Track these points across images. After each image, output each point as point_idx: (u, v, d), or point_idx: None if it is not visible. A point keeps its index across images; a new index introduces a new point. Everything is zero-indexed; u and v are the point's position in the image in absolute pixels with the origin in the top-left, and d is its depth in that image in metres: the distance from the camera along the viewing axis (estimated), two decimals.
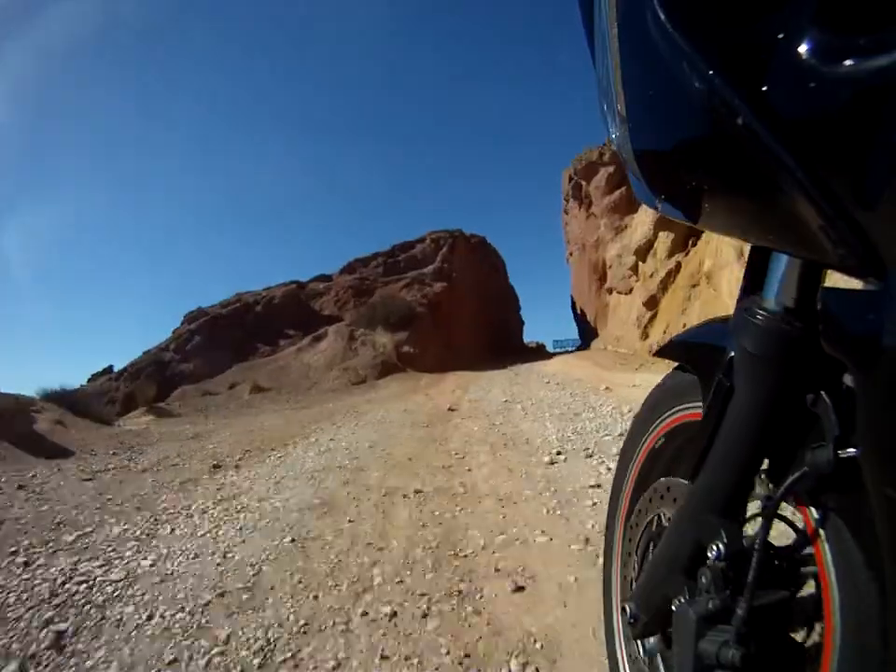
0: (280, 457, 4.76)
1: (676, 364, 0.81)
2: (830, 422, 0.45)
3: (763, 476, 0.55)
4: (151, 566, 2.30)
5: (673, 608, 0.61)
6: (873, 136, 0.29)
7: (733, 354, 0.56)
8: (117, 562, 2.37)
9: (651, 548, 0.80)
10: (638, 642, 0.82)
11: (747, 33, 0.35)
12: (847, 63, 0.29)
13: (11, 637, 1.73)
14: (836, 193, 0.32)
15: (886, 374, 0.34)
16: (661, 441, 0.82)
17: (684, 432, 0.77)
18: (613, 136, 0.54)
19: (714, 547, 0.56)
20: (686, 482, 0.66)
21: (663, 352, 0.82)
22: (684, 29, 0.38)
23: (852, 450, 0.43)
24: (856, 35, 0.29)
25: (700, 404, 0.67)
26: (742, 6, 0.35)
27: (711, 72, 0.36)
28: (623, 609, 0.73)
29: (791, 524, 0.55)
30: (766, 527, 0.52)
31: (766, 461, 0.55)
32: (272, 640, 1.61)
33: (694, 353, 0.73)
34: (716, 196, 0.44)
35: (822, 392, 0.47)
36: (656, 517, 0.77)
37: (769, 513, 0.52)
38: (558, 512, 2.50)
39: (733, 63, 0.35)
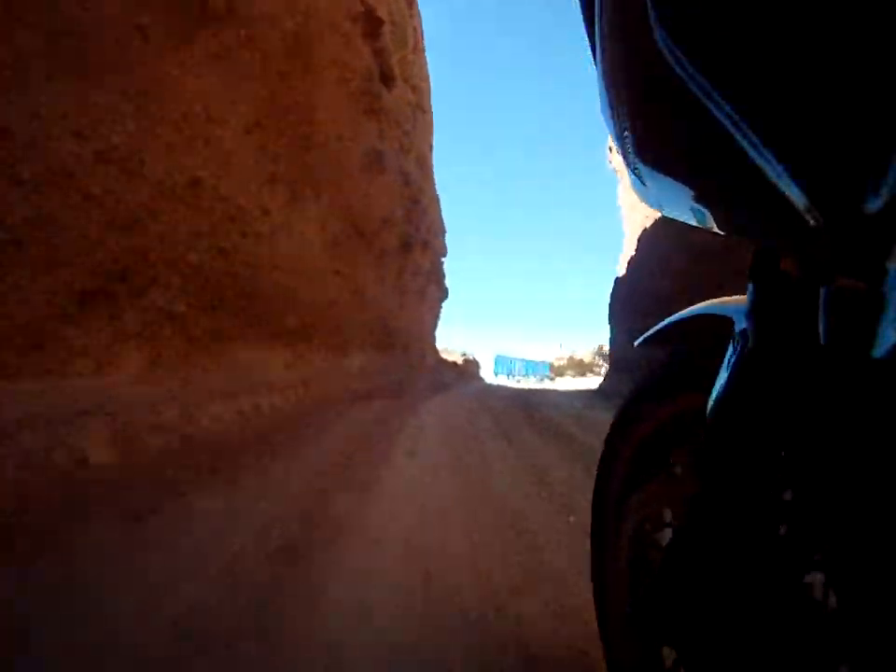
0: None
1: (666, 350, 0.81)
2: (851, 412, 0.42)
3: (781, 468, 0.51)
4: None
5: (688, 611, 0.59)
6: (873, 137, 0.30)
7: (745, 336, 0.54)
8: None
9: (651, 547, 0.77)
10: (646, 649, 0.76)
11: (742, 40, 0.34)
12: (847, 62, 0.29)
13: None
14: (835, 195, 0.32)
15: (884, 374, 0.35)
16: (655, 430, 0.82)
17: (682, 420, 0.75)
18: (615, 136, 0.54)
19: (729, 544, 0.54)
20: (692, 475, 0.66)
21: (653, 338, 0.81)
22: (681, 35, 0.37)
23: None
24: (855, 32, 0.29)
25: (698, 391, 0.65)
26: (737, 11, 0.34)
27: (709, 76, 0.36)
28: (629, 614, 0.71)
29: (808, 517, 0.50)
30: (783, 522, 0.51)
31: (784, 451, 0.51)
32: None
33: (696, 337, 0.71)
34: (716, 198, 0.44)
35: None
36: (658, 515, 0.75)
37: (787, 507, 0.51)
38: None
39: (730, 69, 0.36)
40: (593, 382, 24.43)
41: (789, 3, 0.30)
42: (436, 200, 16.11)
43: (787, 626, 0.50)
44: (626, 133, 0.50)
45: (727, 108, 0.35)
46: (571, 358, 39.03)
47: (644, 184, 0.52)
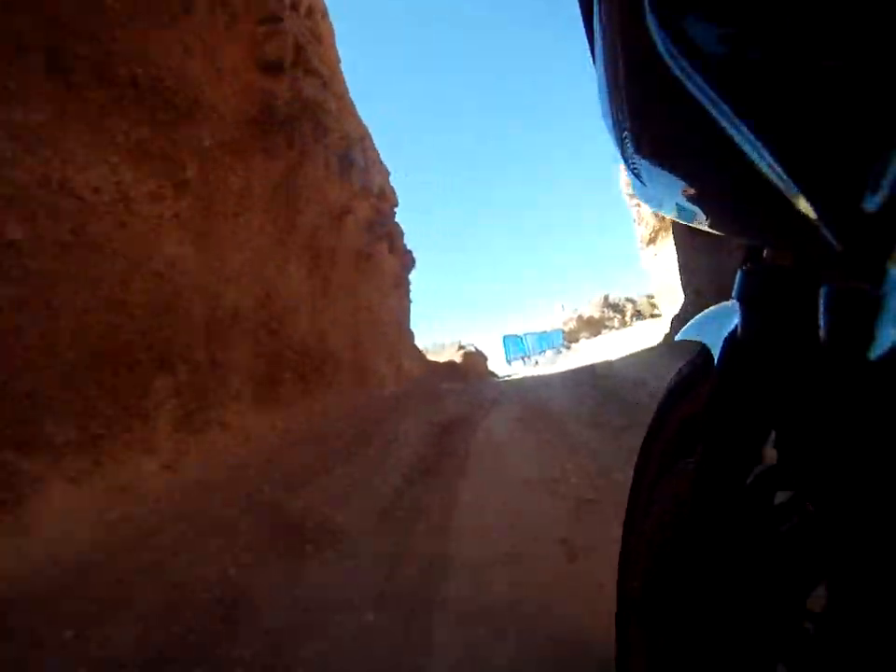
0: None
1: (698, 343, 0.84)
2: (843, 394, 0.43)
3: (771, 449, 0.53)
4: None
5: (684, 590, 0.61)
6: (872, 136, 0.30)
7: (737, 323, 0.56)
8: None
9: (667, 532, 0.78)
10: (648, 633, 0.79)
11: (741, 39, 0.34)
12: (846, 63, 0.29)
13: None
14: (835, 193, 0.32)
15: (883, 375, 0.35)
16: (683, 423, 0.84)
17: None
18: (614, 135, 0.55)
19: (721, 525, 0.56)
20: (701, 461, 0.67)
21: (685, 335, 0.84)
22: (680, 34, 0.37)
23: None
24: (855, 35, 0.29)
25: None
26: (736, 10, 0.35)
27: (708, 76, 0.36)
28: (636, 591, 0.75)
29: (798, 501, 0.52)
30: (771, 504, 0.52)
31: (774, 433, 0.52)
32: None
33: (708, 331, 0.74)
34: (715, 198, 0.45)
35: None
36: (674, 500, 0.75)
37: (775, 489, 0.52)
38: None
39: (729, 69, 0.35)
40: (625, 339, 18.45)
41: (787, 2, 0.31)
42: (354, 110, 9.53)
43: (778, 615, 0.51)
44: (626, 132, 0.50)
45: (726, 108, 0.35)
46: (580, 318, 32.81)
47: (643, 183, 0.54)
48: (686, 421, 0.81)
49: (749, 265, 0.53)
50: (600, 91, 0.54)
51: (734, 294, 0.55)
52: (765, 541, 0.51)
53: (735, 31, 0.34)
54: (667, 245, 16.79)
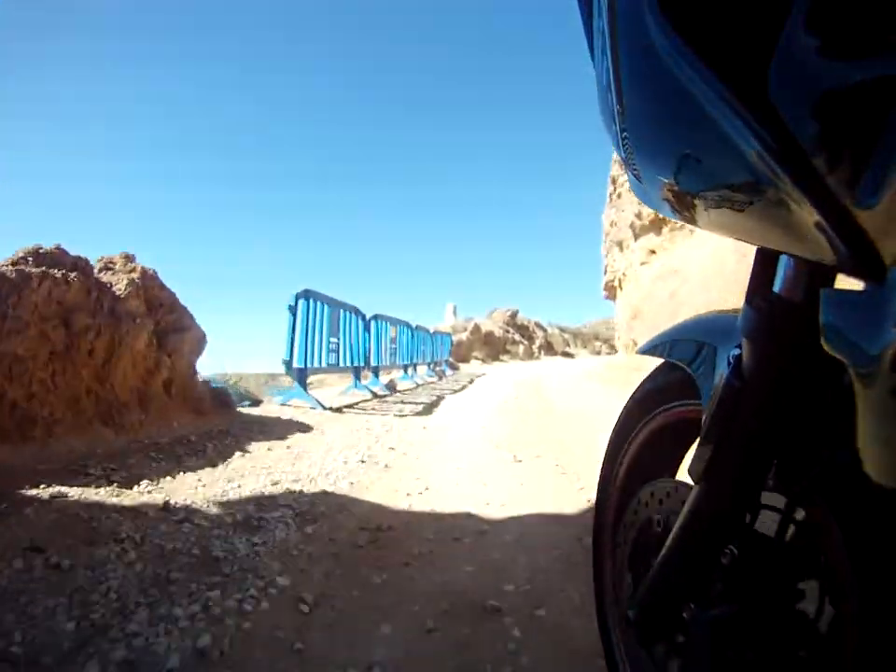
0: None
1: (664, 360, 0.81)
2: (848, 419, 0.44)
3: (775, 476, 0.54)
4: None
5: (685, 614, 0.61)
6: (872, 137, 0.29)
7: (739, 350, 0.56)
8: None
9: (650, 552, 0.75)
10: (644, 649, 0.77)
11: (745, 37, 0.34)
12: (848, 64, 0.29)
13: None
14: (835, 194, 0.32)
15: (884, 375, 0.35)
16: (652, 438, 0.83)
17: (678, 430, 0.78)
18: (613, 136, 0.54)
19: (727, 551, 0.56)
20: (691, 483, 0.64)
21: (650, 350, 0.82)
22: (681, 33, 0.37)
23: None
24: (857, 36, 0.29)
25: (695, 402, 0.68)
26: (741, 11, 0.35)
27: (708, 75, 0.36)
28: (627, 618, 0.71)
29: (805, 524, 0.53)
30: (782, 530, 0.52)
31: (778, 460, 0.54)
32: None
33: (690, 350, 0.72)
34: (715, 198, 0.44)
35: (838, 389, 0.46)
36: (656, 519, 0.74)
37: (784, 515, 0.52)
38: None
39: (730, 66, 0.35)
40: (554, 379, 9.94)
41: (787, 3, 0.30)
42: None
43: (779, 630, 0.51)
44: (625, 133, 0.50)
45: (727, 110, 0.35)
46: (476, 329, 23.92)
47: (642, 183, 0.53)
48: (653, 438, 0.80)
49: (757, 300, 0.52)
50: (599, 90, 0.54)
51: (740, 329, 0.54)
52: (762, 554, 0.53)
53: (735, 32, 0.34)
54: (688, 236, 9.01)
